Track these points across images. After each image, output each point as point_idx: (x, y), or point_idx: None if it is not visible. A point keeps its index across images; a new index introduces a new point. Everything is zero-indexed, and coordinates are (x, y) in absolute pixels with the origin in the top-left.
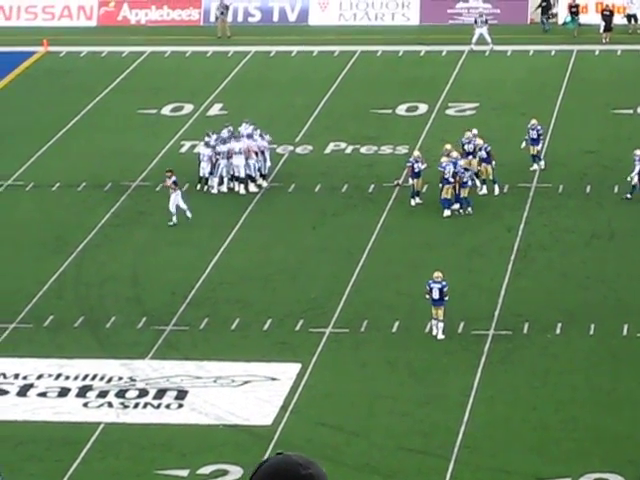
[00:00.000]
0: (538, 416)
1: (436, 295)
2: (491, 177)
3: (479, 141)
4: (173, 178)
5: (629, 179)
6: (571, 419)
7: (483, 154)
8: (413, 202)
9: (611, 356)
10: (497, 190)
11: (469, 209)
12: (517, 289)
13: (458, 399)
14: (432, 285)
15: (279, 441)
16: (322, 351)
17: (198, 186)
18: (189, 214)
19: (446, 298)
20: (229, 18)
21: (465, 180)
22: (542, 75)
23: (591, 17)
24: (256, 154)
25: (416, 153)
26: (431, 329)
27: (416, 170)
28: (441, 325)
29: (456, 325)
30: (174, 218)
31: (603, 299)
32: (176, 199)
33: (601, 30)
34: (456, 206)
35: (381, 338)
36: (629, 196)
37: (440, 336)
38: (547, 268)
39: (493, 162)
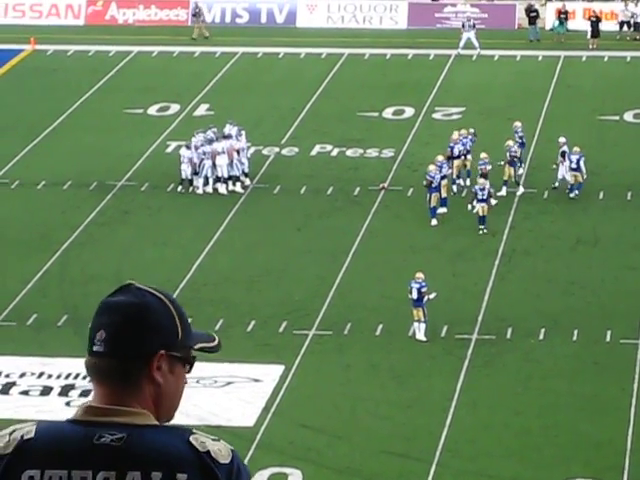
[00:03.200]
0: (520, 421)
1: (415, 295)
2: (514, 179)
3: (510, 142)
4: None
5: (556, 168)
6: (553, 424)
7: (508, 156)
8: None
9: (594, 362)
10: (521, 190)
11: (483, 227)
12: (501, 294)
13: (440, 403)
14: (412, 285)
15: (261, 442)
16: (305, 353)
17: (179, 187)
18: None
19: (425, 298)
20: (216, 19)
21: (483, 197)
22: (529, 80)
23: (578, 23)
24: (238, 153)
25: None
26: (414, 332)
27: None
28: (422, 326)
29: (439, 329)
30: None
31: (587, 305)
32: None
33: (588, 36)
34: (443, 210)
35: (364, 341)
36: (556, 185)
37: (421, 337)
38: (531, 273)
39: (518, 165)
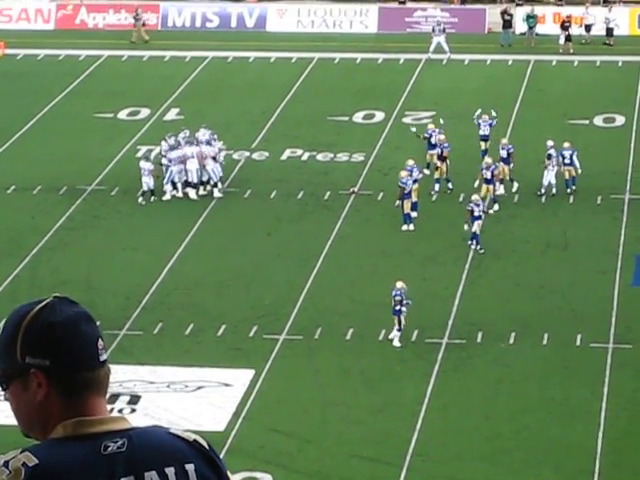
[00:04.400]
0: (490, 425)
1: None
2: (508, 177)
3: (504, 141)
4: None
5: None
6: (523, 428)
7: (504, 154)
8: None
9: (564, 366)
10: (515, 186)
11: (479, 247)
12: (471, 298)
13: (411, 407)
14: (395, 293)
15: (232, 447)
16: (276, 358)
17: (140, 199)
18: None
19: (397, 308)
20: (186, 23)
21: (477, 214)
22: (499, 85)
23: (548, 27)
24: (214, 159)
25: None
26: (385, 336)
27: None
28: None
29: (410, 333)
30: None
31: (557, 309)
32: None
33: (561, 41)
34: (414, 214)
35: (335, 345)
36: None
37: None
38: (501, 277)
39: (511, 164)
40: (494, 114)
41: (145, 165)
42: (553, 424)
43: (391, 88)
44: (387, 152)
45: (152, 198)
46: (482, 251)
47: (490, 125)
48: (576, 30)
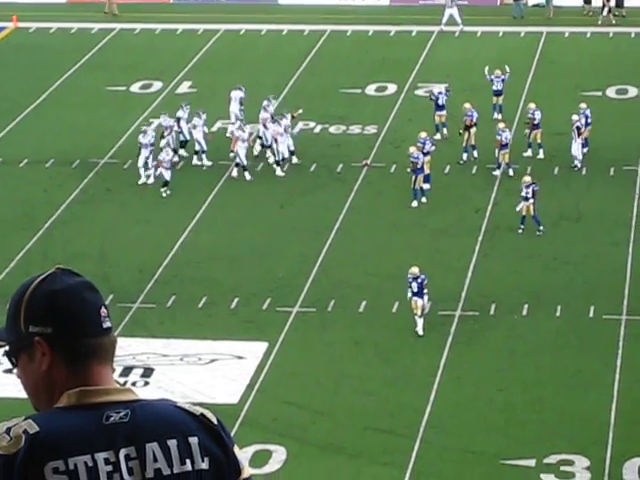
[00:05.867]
0: (504, 397)
1: (415, 288)
2: (539, 141)
3: (532, 105)
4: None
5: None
6: (537, 400)
7: (536, 119)
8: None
9: (577, 338)
10: (541, 153)
11: (540, 227)
12: (484, 270)
13: (424, 379)
14: (409, 279)
15: (245, 419)
16: (289, 330)
17: (162, 190)
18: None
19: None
20: None
21: (527, 195)
22: (511, 56)
23: None
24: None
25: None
26: (398, 309)
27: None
28: (421, 320)
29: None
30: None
31: (570, 281)
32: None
33: (604, 13)
34: (427, 186)
35: (348, 318)
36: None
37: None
38: (514, 249)
39: (540, 129)
40: (507, 69)
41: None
42: (566, 396)
43: (403, 60)
44: (400, 124)
45: (167, 191)
46: (540, 230)
47: (503, 81)
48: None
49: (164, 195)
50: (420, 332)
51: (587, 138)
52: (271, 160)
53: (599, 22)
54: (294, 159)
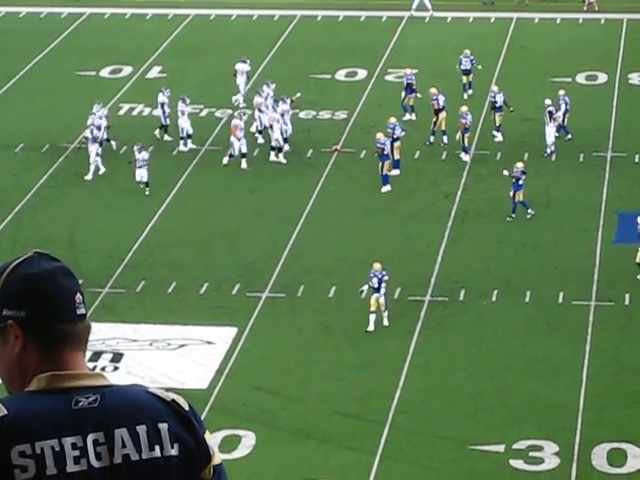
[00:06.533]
0: (473, 383)
1: (375, 284)
2: (497, 124)
3: (494, 88)
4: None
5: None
6: (506, 386)
7: (498, 102)
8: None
9: (546, 323)
10: (499, 137)
11: (529, 210)
12: (454, 255)
13: (394, 364)
14: (372, 275)
15: (215, 404)
16: (258, 315)
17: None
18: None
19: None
20: None
21: (521, 183)
22: (481, 42)
23: None
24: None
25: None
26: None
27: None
28: (373, 317)
29: (393, 291)
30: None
31: (539, 266)
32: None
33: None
34: (396, 172)
35: (317, 303)
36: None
37: (371, 328)
38: (484, 235)
39: (502, 113)
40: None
41: (140, 156)
42: (535, 381)
43: (374, 46)
44: (370, 110)
45: (147, 190)
46: (530, 214)
47: (471, 61)
48: None
49: (147, 194)
50: (385, 323)
51: (566, 125)
52: (261, 141)
53: (584, 8)
54: (286, 147)
